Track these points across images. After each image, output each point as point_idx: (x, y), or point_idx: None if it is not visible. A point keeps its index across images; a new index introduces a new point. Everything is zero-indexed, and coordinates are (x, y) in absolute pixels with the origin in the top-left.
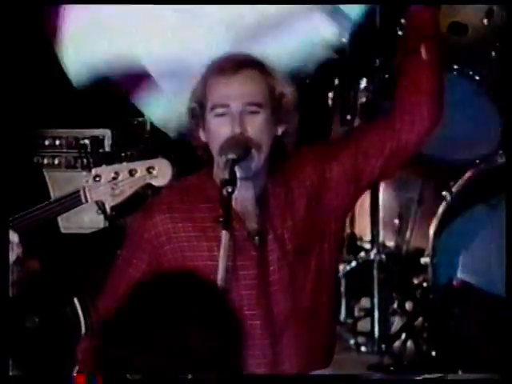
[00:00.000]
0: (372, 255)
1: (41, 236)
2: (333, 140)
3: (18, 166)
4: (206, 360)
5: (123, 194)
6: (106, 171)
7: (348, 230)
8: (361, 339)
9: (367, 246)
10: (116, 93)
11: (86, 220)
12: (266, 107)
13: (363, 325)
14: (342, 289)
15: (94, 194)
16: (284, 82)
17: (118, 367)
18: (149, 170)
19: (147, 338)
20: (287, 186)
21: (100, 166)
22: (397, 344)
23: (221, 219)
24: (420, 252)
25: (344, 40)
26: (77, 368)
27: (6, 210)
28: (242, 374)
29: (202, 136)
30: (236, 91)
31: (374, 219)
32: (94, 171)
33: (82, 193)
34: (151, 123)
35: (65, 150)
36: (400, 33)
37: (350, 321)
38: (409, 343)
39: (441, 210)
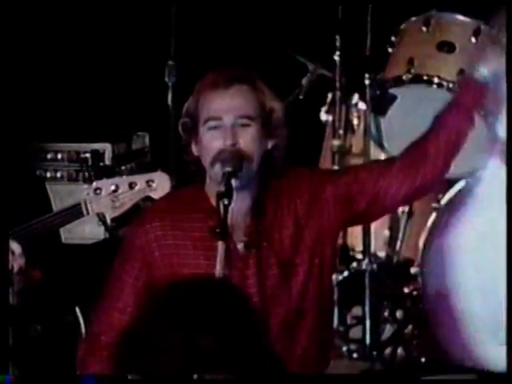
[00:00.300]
0: (364, 265)
1: (43, 247)
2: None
3: (21, 180)
4: (212, 361)
5: (123, 207)
6: (106, 184)
7: (340, 241)
8: (353, 346)
9: (359, 256)
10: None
11: (87, 231)
12: (256, 121)
13: (355, 332)
14: (335, 297)
15: (95, 206)
16: (273, 97)
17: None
18: (148, 183)
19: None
20: (278, 202)
21: (101, 179)
22: (387, 351)
23: (217, 230)
24: (410, 262)
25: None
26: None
27: (10, 223)
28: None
29: (195, 150)
30: (228, 105)
31: (365, 230)
32: (94, 184)
33: (83, 205)
34: (150, 137)
35: (66, 164)
36: (390, 50)
37: (342, 328)
38: (399, 350)
39: (430, 221)
